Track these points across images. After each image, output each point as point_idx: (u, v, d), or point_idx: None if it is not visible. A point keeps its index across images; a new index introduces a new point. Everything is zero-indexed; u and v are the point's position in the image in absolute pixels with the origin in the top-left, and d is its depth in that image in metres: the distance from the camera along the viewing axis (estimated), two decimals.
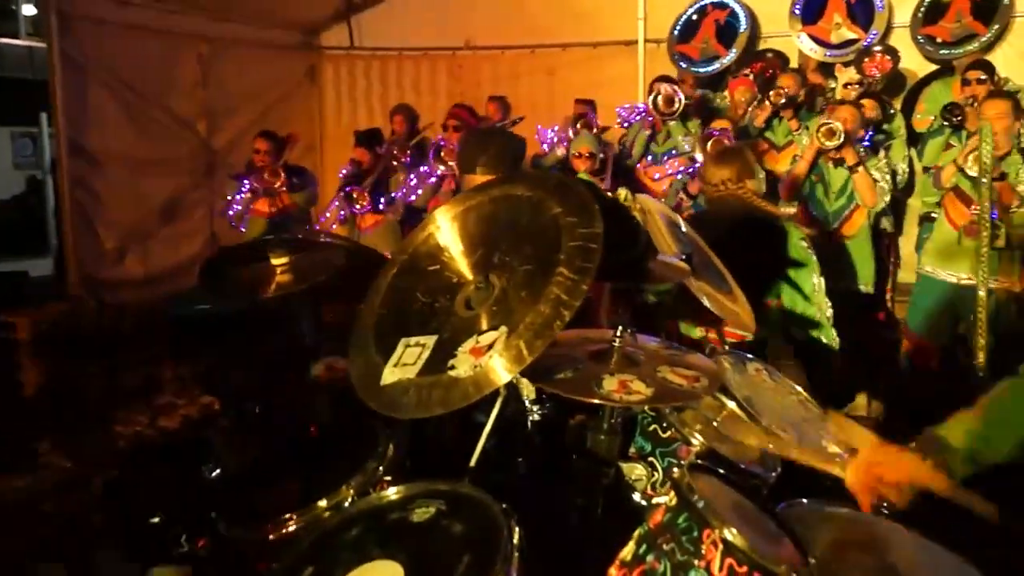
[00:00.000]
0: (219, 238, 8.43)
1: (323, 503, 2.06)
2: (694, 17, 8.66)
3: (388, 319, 2.08)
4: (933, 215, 6.10)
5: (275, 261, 2.92)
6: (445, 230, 2.19)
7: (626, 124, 7.18)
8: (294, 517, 2.04)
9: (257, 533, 2.06)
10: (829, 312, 3.90)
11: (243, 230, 7.20)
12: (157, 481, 2.55)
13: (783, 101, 6.39)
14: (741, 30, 8.38)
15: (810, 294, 3.87)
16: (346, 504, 2.05)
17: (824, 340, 3.91)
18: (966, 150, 5.27)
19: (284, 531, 2.03)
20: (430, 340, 1.94)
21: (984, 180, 4.72)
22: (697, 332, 3.84)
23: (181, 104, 8.36)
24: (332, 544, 1.91)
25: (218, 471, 2.39)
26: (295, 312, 2.83)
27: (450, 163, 6.66)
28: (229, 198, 7.25)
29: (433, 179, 6.99)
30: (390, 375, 1.92)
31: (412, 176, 7.24)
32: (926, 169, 6.30)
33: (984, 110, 5.31)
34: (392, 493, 2.00)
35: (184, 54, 8.35)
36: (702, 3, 8.65)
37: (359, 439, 2.26)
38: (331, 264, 2.89)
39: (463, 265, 2.09)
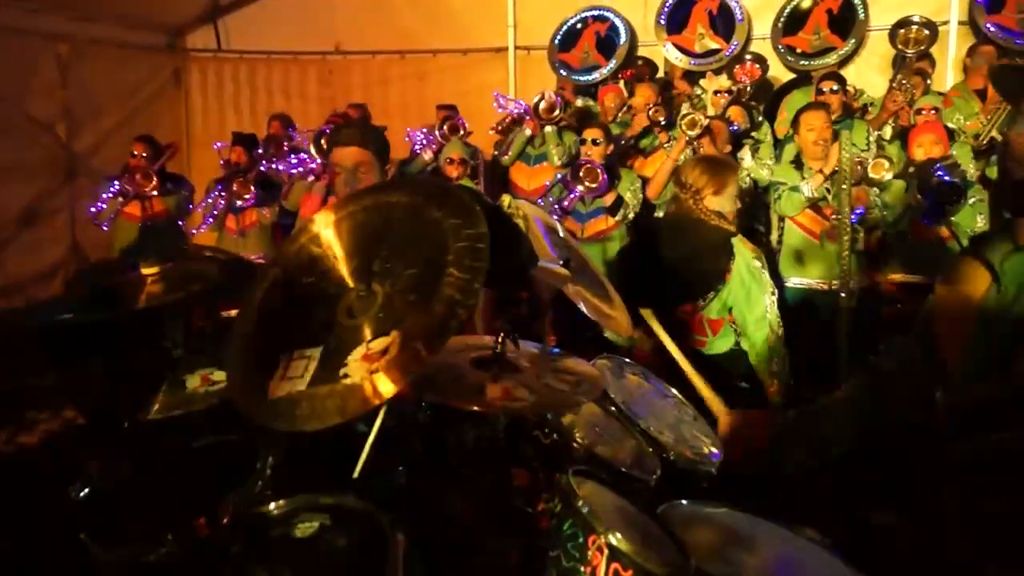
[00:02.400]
0: (82, 246, 8.12)
1: (201, 521, 1.99)
2: (577, 26, 8.88)
3: (265, 334, 2.02)
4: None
5: (145, 271, 2.82)
6: (318, 241, 2.14)
7: (501, 109, 7.19)
8: (171, 537, 1.96)
9: (131, 555, 1.97)
10: (780, 331, 3.94)
11: (105, 228, 7.01)
12: (20, 503, 2.41)
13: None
14: (621, 43, 8.64)
15: (759, 317, 3.92)
16: (225, 521, 1.99)
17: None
18: (832, 160, 5.46)
19: (160, 552, 1.95)
20: (315, 351, 1.89)
21: (844, 185, 4.92)
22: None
23: (39, 106, 8.02)
24: (211, 564, 1.85)
25: (87, 491, 2.27)
26: (166, 323, 2.72)
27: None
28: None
29: (311, 178, 6.86)
30: (277, 389, 1.87)
31: (283, 166, 7.08)
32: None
33: (809, 120, 5.62)
34: (273, 508, 1.94)
35: (42, 55, 8.02)
36: (583, 15, 8.87)
37: (237, 453, 2.19)
38: (204, 274, 2.80)
39: (341, 275, 2.04)
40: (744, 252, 3.95)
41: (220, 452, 2.33)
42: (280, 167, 6.98)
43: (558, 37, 8.91)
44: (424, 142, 7.15)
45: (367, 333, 1.84)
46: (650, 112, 6.65)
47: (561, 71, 8.75)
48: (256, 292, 2.12)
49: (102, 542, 2.02)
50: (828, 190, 5.51)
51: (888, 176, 5.43)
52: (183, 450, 2.39)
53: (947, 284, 2.00)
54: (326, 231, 2.14)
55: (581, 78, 8.70)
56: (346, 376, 1.78)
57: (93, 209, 6.98)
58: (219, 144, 7.74)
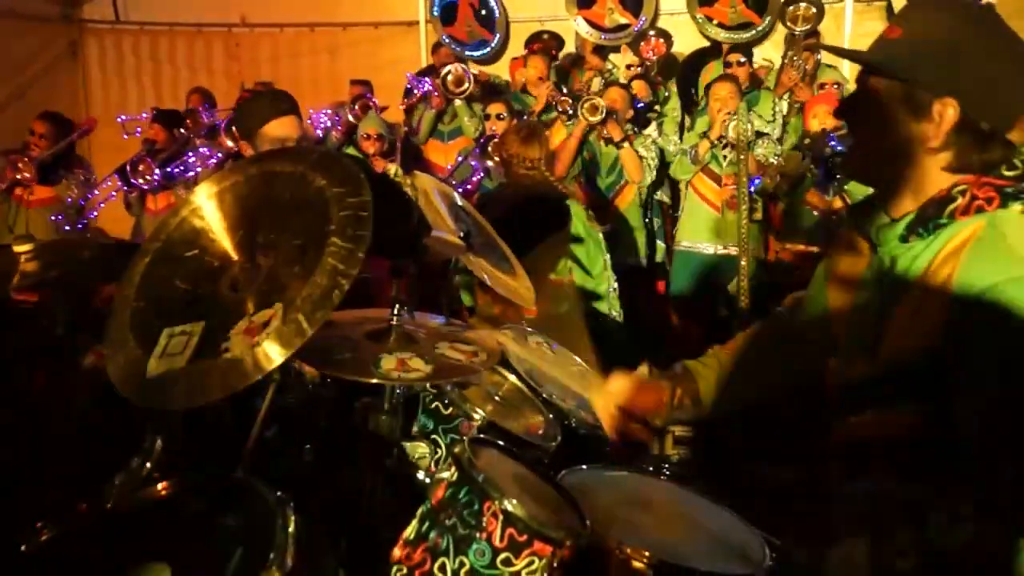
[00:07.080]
0: None
1: (83, 506, 1.91)
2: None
3: (146, 310, 1.93)
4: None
5: (17, 249, 2.71)
6: (201, 213, 2.06)
7: (415, 92, 7.14)
8: (49, 524, 1.88)
9: (7, 545, 1.88)
10: (615, 286, 4.13)
11: None
12: None
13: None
14: (496, 16, 8.69)
15: (599, 271, 4.05)
16: (108, 506, 1.91)
17: (611, 313, 4.12)
18: (717, 127, 5.61)
19: (39, 540, 1.86)
20: (197, 327, 1.83)
21: (742, 156, 5.01)
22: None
23: None
24: (93, 551, 1.79)
25: None
26: (47, 303, 2.63)
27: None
28: None
29: (216, 159, 6.70)
30: (156, 366, 1.80)
31: (190, 153, 6.91)
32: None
33: (716, 91, 5.75)
34: (157, 490, 1.88)
35: None
36: None
37: (124, 435, 2.12)
38: (80, 253, 2.72)
39: (224, 248, 1.98)
40: (581, 212, 4.16)
41: (105, 434, 2.26)
42: (192, 157, 6.81)
43: (436, 10, 8.77)
44: (329, 123, 7.03)
45: (250, 307, 1.79)
46: (557, 101, 6.65)
47: (454, 47, 8.68)
48: (137, 267, 2.05)
49: None
50: (725, 157, 5.61)
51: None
52: (65, 433, 2.31)
53: (834, 254, 1.98)
54: (209, 203, 2.07)
55: (475, 53, 8.70)
56: (227, 351, 1.73)
57: None
58: (123, 118, 7.50)
